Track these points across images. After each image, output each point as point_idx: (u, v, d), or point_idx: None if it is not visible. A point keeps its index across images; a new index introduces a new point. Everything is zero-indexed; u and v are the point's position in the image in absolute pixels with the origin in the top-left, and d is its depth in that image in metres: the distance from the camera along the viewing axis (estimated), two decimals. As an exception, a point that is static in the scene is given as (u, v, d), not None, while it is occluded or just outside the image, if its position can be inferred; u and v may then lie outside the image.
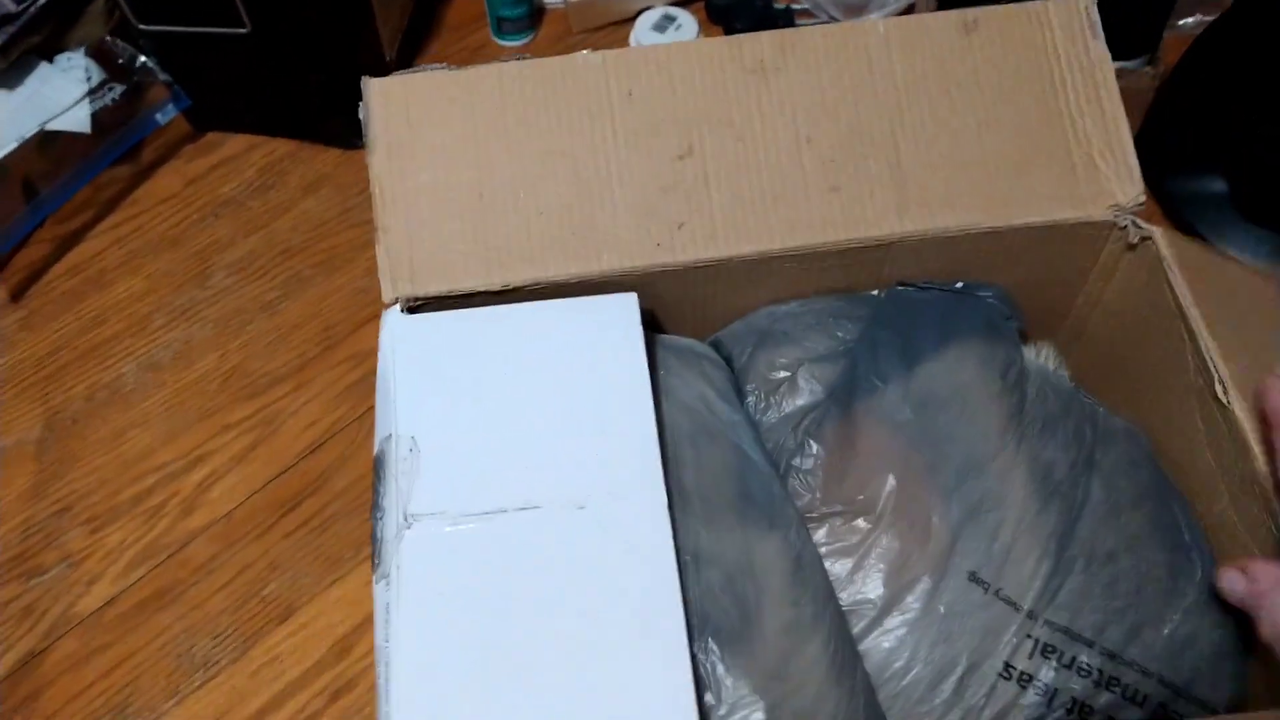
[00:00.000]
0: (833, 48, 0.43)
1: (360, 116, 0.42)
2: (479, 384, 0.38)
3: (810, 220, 0.43)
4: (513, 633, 0.34)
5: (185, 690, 0.60)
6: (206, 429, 0.68)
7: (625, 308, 0.39)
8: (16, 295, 0.73)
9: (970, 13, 0.44)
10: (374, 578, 0.36)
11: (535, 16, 0.83)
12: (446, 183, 0.42)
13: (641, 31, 0.80)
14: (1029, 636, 0.39)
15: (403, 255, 0.42)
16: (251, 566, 0.63)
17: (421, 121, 0.42)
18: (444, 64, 0.41)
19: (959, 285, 0.46)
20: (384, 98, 0.42)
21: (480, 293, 0.42)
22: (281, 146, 0.80)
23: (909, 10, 0.76)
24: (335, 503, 0.65)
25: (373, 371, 0.69)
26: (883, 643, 0.40)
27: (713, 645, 0.38)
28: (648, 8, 0.82)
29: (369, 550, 0.63)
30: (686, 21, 0.80)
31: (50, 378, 0.70)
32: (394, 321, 0.39)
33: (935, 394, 0.42)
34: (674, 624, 0.34)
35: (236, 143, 0.80)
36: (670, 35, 0.79)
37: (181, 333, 0.72)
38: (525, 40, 0.83)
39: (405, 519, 0.35)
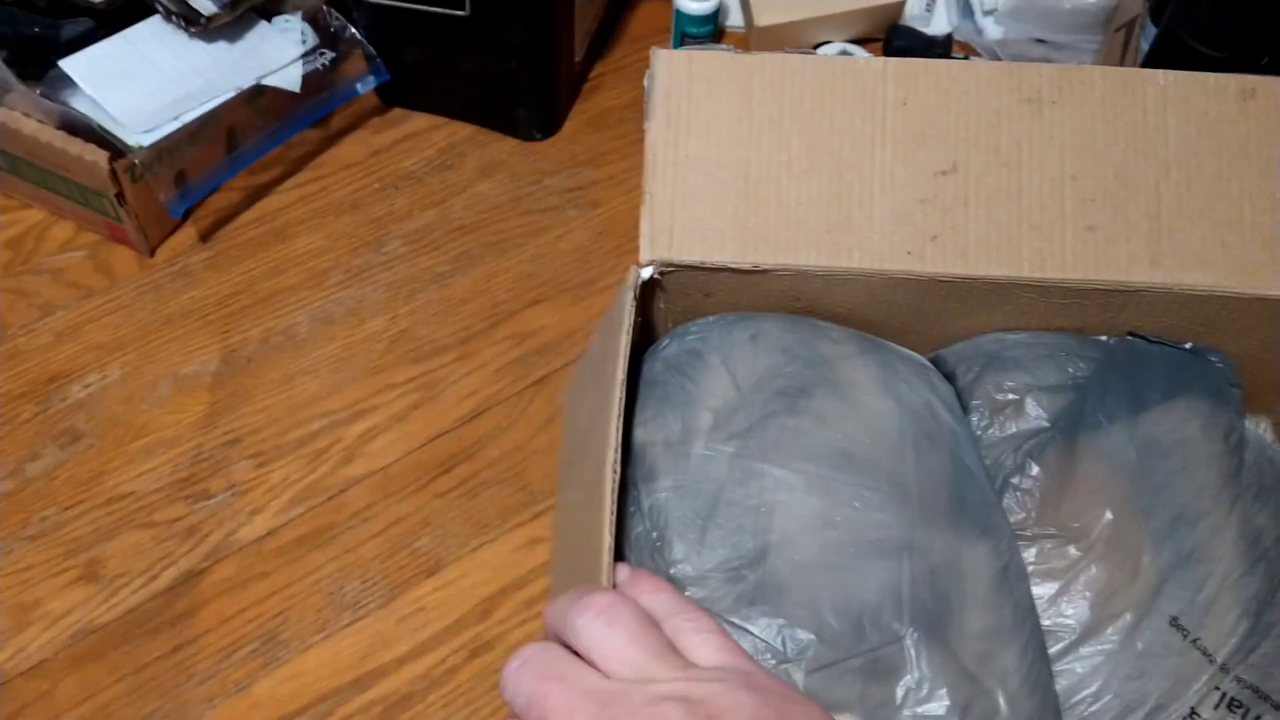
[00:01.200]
0: (1110, 91, 0.45)
1: (645, 85, 0.45)
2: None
3: (1062, 255, 0.44)
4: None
5: (333, 627, 0.62)
6: (371, 385, 0.71)
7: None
8: (205, 236, 0.77)
9: (1251, 80, 0.46)
10: None
11: (718, 36, 0.87)
12: (716, 160, 0.44)
13: (819, 64, 0.83)
14: (1218, 689, 0.41)
15: (664, 222, 0.44)
16: (404, 520, 0.66)
17: (701, 98, 0.45)
18: (730, 47, 0.44)
19: (1188, 346, 0.47)
20: (669, 69, 0.45)
21: (729, 268, 0.44)
22: (463, 130, 0.84)
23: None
24: (487, 470, 0.68)
25: (533, 352, 0.72)
26: (1076, 668, 0.41)
27: (913, 630, 0.40)
28: (827, 41, 0.85)
29: (517, 519, 0.66)
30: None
31: (230, 316, 0.73)
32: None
33: (1159, 442, 0.43)
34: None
35: (420, 120, 0.84)
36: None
37: (355, 292, 0.75)
38: (704, 59, 0.86)
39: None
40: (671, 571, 0.40)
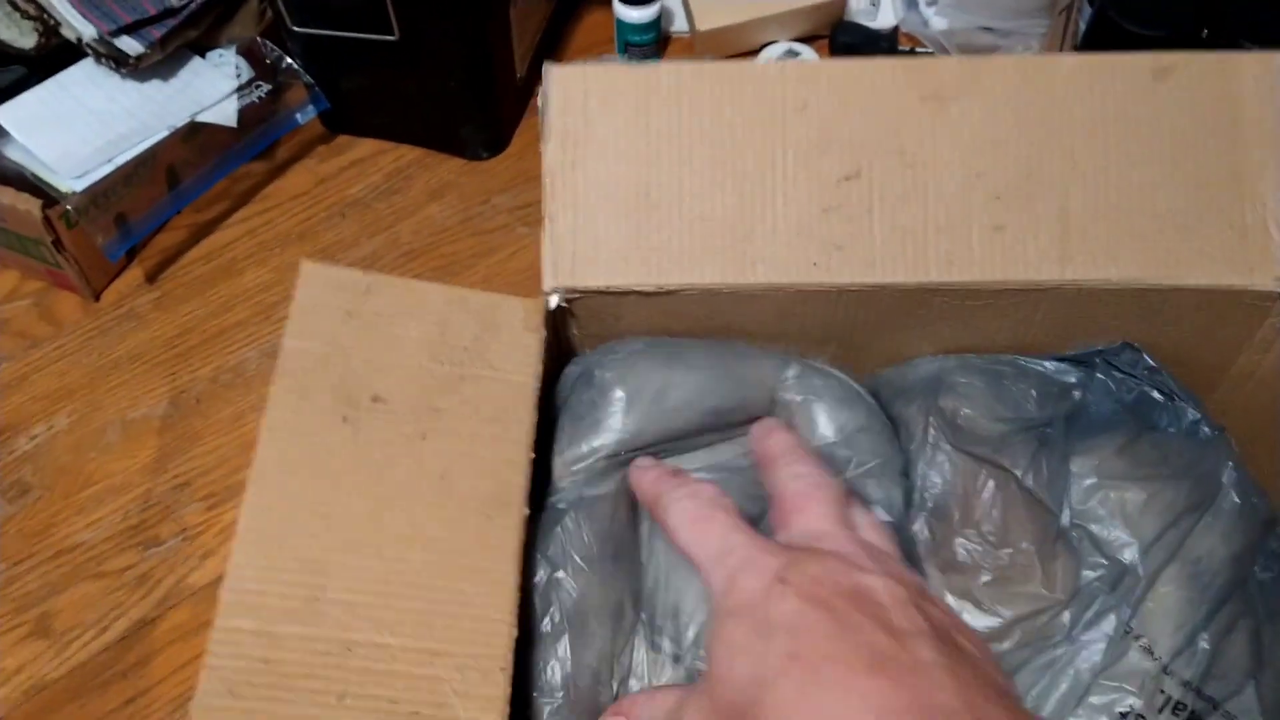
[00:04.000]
0: (1015, 80, 0.43)
1: (538, 103, 0.44)
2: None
3: (970, 257, 0.43)
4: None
5: (287, 669, 0.61)
6: (322, 418, 0.70)
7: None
8: (152, 277, 0.76)
9: (1165, 57, 0.44)
10: None
11: (662, 44, 0.85)
12: (615, 179, 0.43)
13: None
14: (1162, 691, 0.39)
15: (566, 247, 0.43)
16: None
17: (597, 114, 0.43)
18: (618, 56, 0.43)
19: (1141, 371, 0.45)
20: (562, 87, 0.43)
21: (634, 292, 0.43)
22: (409, 153, 0.83)
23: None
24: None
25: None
26: (1024, 675, 0.40)
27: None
28: (772, 42, 0.83)
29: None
30: (810, 57, 0.82)
31: (179, 357, 0.72)
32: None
33: (1110, 466, 0.42)
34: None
35: (366, 146, 0.83)
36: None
37: (304, 324, 0.74)
38: (651, 67, 0.84)
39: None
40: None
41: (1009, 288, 0.43)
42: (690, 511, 0.36)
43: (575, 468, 0.41)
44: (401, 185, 0.81)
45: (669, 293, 0.43)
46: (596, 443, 0.41)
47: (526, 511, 0.38)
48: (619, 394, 0.42)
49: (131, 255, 0.76)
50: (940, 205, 0.43)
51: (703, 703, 0.32)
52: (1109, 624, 0.38)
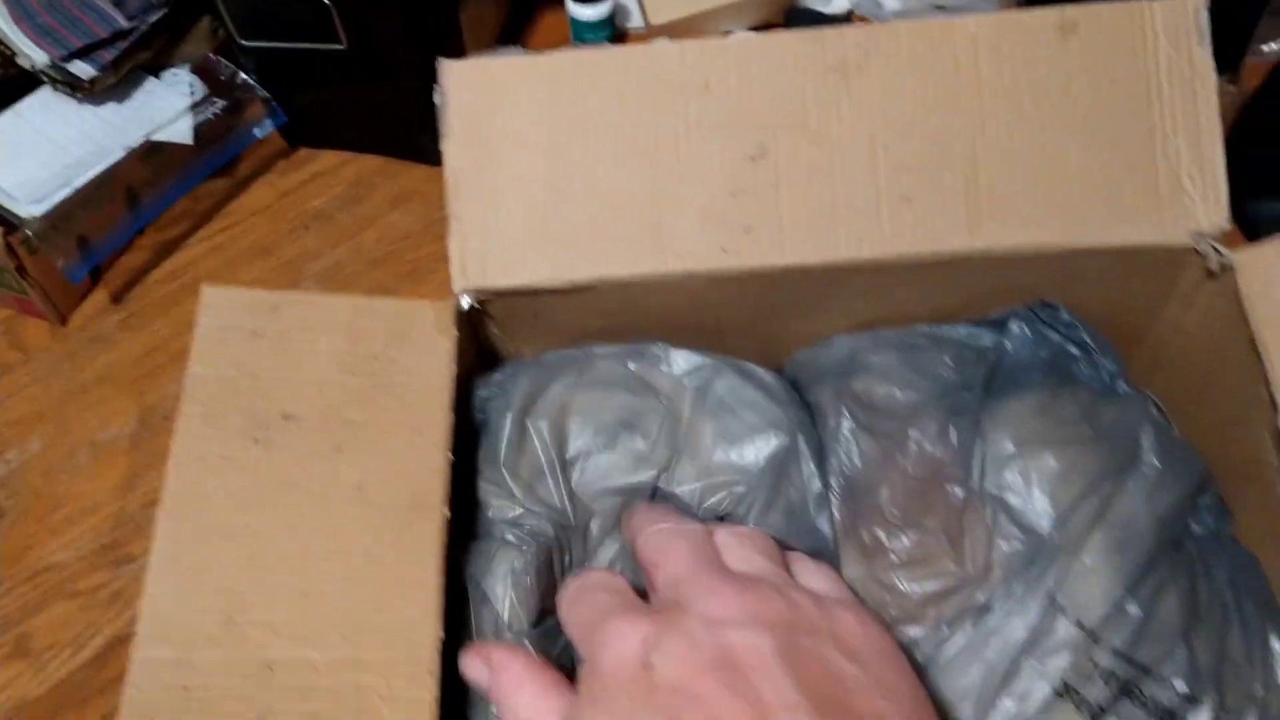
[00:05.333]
0: (919, 47, 0.42)
1: (435, 101, 0.43)
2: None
3: (880, 233, 0.42)
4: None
5: (259, 681, 0.62)
6: (289, 430, 0.70)
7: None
8: (117, 298, 0.76)
9: (1070, 11, 0.42)
10: None
11: (618, 40, 0.85)
12: (519, 174, 0.42)
13: (722, 53, 0.81)
14: (1092, 661, 0.38)
15: (473, 246, 0.43)
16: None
17: (497, 108, 0.43)
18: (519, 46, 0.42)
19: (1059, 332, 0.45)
20: (461, 82, 0.43)
21: (546, 290, 0.43)
22: (371, 162, 0.83)
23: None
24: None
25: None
26: (948, 649, 0.39)
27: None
28: (729, 32, 0.83)
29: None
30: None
31: (146, 376, 0.73)
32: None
33: (1031, 429, 0.41)
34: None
35: (327, 158, 0.83)
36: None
37: (269, 337, 0.74)
38: (608, 62, 0.84)
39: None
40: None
41: (921, 261, 0.42)
42: (574, 591, 0.36)
43: (493, 478, 0.41)
44: (363, 195, 0.81)
45: (582, 289, 0.42)
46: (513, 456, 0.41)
47: (447, 514, 0.38)
48: (528, 423, 0.42)
49: (97, 277, 0.77)
50: (848, 181, 0.42)
51: None
52: (1034, 598, 0.38)
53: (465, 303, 0.42)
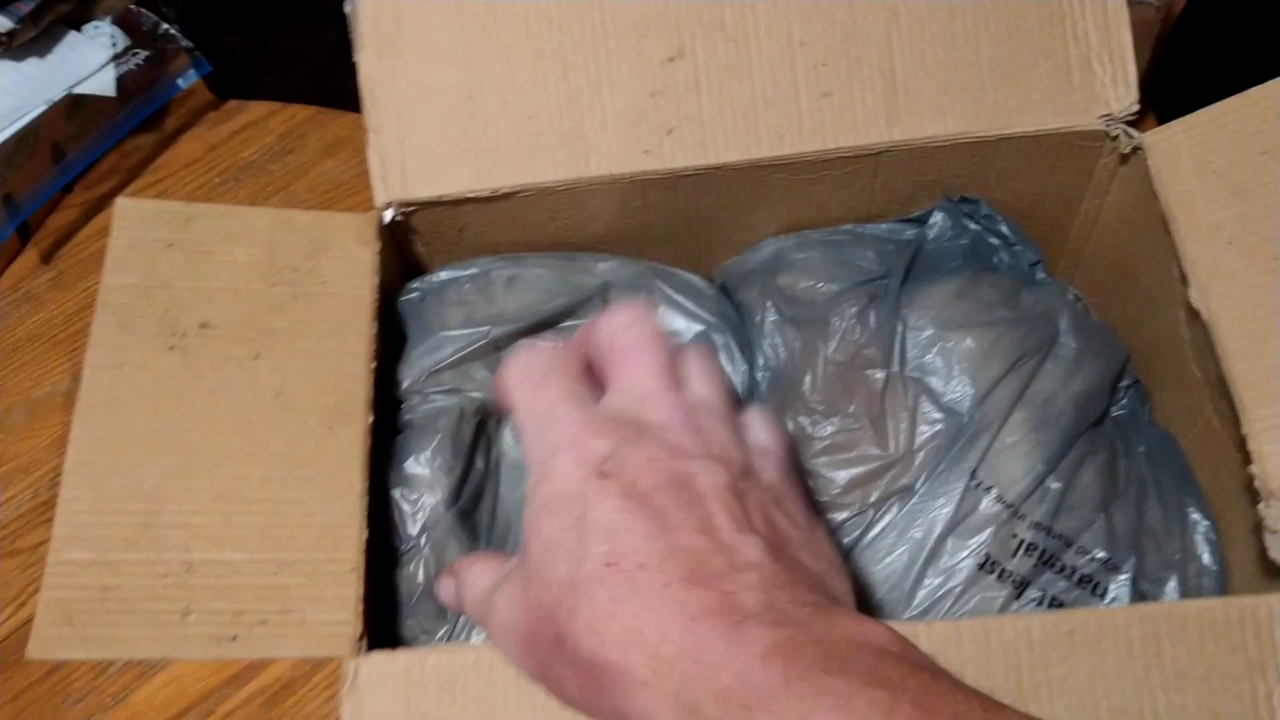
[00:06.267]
0: None
1: (345, 11, 0.43)
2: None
3: (800, 128, 0.42)
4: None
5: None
6: (228, 380, 0.69)
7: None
8: (47, 257, 0.75)
9: None
10: None
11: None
12: (436, 83, 0.42)
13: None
14: (1014, 536, 0.39)
15: (394, 157, 0.42)
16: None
17: (410, 16, 0.42)
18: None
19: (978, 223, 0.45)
20: None
21: (469, 199, 0.42)
22: (301, 112, 0.82)
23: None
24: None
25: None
26: (874, 530, 0.40)
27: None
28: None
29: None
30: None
31: (79, 333, 0.72)
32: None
33: (949, 314, 0.41)
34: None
35: (257, 109, 0.82)
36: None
37: (204, 290, 0.73)
38: None
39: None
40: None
41: (840, 155, 0.42)
42: (521, 372, 0.35)
43: (415, 383, 0.41)
44: (295, 145, 0.80)
45: (505, 196, 0.42)
46: (437, 355, 0.41)
47: (371, 418, 0.38)
48: (455, 311, 0.41)
49: (26, 238, 0.76)
50: (766, 78, 0.42)
51: (514, 591, 0.32)
52: (956, 477, 0.38)
53: (388, 216, 0.42)
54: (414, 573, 0.38)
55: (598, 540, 0.29)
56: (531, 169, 0.42)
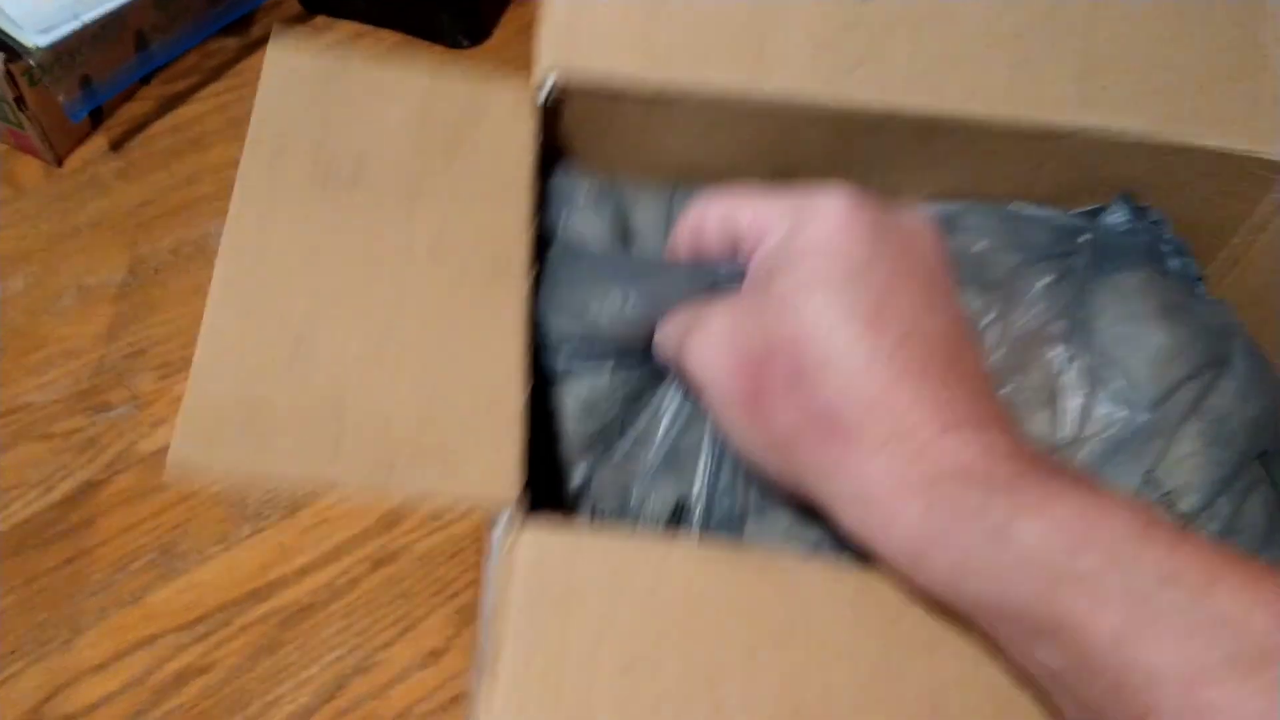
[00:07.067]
0: None
1: None
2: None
3: (988, 92, 0.40)
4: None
5: (233, 539, 0.59)
6: (288, 294, 0.67)
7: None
8: (117, 145, 0.73)
9: None
10: None
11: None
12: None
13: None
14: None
15: (563, 27, 0.40)
16: (318, 430, 0.62)
17: None
18: None
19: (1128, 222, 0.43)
20: None
21: (630, 97, 0.40)
22: (388, 38, 0.80)
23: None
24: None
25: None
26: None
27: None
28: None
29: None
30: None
31: (140, 226, 0.69)
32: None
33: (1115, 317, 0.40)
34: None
35: (344, 29, 0.80)
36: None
37: (273, 201, 0.71)
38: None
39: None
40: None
41: (1022, 129, 0.41)
42: (715, 202, 0.36)
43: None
44: (379, 71, 0.78)
45: (669, 101, 0.40)
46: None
47: (530, 282, 0.36)
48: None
49: (97, 122, 0.73)
50: (961, 35, 0.41)
51: (749, 310, 0.33)
52: (1130, 471, 0.36)
53: (549, 82, 0.39)
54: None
55: (895, 320, 0.31)
56: (704, 75, 0.40)
